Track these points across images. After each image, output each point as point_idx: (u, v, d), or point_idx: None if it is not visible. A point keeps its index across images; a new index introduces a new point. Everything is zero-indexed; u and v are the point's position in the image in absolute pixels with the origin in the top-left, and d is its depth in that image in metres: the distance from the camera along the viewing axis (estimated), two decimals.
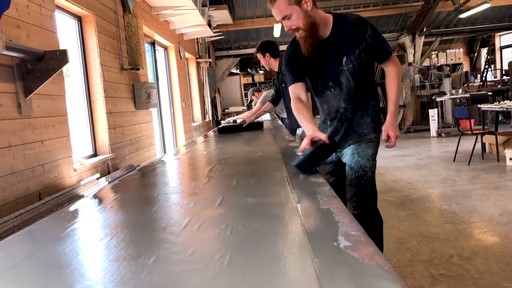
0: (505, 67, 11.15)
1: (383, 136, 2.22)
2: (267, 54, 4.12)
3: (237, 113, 12.17)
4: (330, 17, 2.19)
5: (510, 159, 5.77)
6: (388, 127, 2.18)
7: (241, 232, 1.03)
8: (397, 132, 2.18)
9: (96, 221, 1.32)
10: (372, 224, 2.28)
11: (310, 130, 2.01)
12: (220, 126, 3.43)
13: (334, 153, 2.33)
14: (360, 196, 2.27)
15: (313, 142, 1.83)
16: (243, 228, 1.06)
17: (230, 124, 4.24)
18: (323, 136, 1.82)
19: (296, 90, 2.25)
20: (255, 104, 12.32)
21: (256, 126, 4.02)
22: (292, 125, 3.91)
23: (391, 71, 2.26)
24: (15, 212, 2.48)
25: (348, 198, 2.32)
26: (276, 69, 4.18)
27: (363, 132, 2.28)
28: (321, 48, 2.20)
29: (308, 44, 2.14)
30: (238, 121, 4.35)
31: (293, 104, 2.25)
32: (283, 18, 2.10)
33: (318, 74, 2.29)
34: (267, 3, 2.13)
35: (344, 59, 2.19)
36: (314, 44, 2.15)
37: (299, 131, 3.86)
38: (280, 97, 4.23)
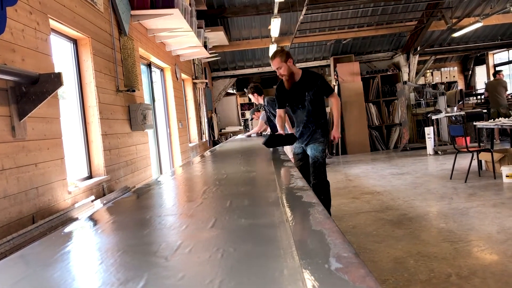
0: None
1: (331, 137, 4.13)
2: (255, 94, 6.06)
3: (234, 133, 12.19)
4: (300, 70, 4.07)
5: (506, 176, 5.77)
6: (333, 133, 4.13)
7: (232, 255, 1.02)
8: (338, 135, 4.13)
9: (88, 245, 1.31)
10: (324, 187, 4.06)
11: (279, 131, 4.10)
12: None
13: (301, 147, 4.21)
14: (316, 172, 4.01)
15: (275, 134, 4.08)
16: (234, 251, 1.05)
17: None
18: (281, 132, 4.05)
19: (279, 112, 4.20)
20: (252, 123, 12.95)
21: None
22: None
23: (333, 102, 4.21)
24: (7, 236, 2.45)
25: (311, 173, 4.05)
26: (262, 103, 6.13)
27: (316, 137, 4.07)
28: (295, 87, 4.04)
29: (288, 83, 4.01)
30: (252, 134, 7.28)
31: (277, 119, 4.25)
32: (277, 68, 3.96)
33: (293, 101, 4.11)
34: (270, 59, 4.10)
35: (306, 94, 4.01)
36: (291, 83, 4.00)
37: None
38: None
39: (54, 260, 1.14)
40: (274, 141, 3.96)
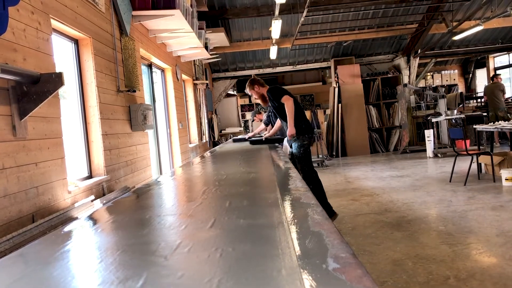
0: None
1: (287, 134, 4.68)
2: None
3: (234, 134, 12.20)
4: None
5: (506, 179, 5.77)
6: (289, 131, 4.60)
7: (230, 255, 1.02)
8: (290, 132, 4.58)
9: (87, 244, 1.32)
10: (312, 178, 4.63)
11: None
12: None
13: (290, 147, 4.92)
14: (300, 166, 4.59)
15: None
16: (233, 250, 1.05)
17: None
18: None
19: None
20: (253, 124, 12.91)
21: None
22: (283, 135, 5.71)
23: (285, 106, 4.55)
24: (7, 235, 2.46)
25: (297, 168, 4.40)
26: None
27: (294, 138, 4.64)
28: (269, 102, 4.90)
29: (262, 102, 4.98)
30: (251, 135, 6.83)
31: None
32: (251, 93, 4.95)
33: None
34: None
35: (271, 106, 4.87)
36: (264, 102, 4.92)
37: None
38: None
39: (53, 259, 1.15)
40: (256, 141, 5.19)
